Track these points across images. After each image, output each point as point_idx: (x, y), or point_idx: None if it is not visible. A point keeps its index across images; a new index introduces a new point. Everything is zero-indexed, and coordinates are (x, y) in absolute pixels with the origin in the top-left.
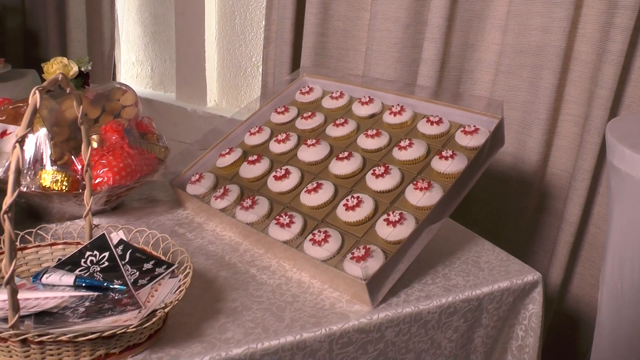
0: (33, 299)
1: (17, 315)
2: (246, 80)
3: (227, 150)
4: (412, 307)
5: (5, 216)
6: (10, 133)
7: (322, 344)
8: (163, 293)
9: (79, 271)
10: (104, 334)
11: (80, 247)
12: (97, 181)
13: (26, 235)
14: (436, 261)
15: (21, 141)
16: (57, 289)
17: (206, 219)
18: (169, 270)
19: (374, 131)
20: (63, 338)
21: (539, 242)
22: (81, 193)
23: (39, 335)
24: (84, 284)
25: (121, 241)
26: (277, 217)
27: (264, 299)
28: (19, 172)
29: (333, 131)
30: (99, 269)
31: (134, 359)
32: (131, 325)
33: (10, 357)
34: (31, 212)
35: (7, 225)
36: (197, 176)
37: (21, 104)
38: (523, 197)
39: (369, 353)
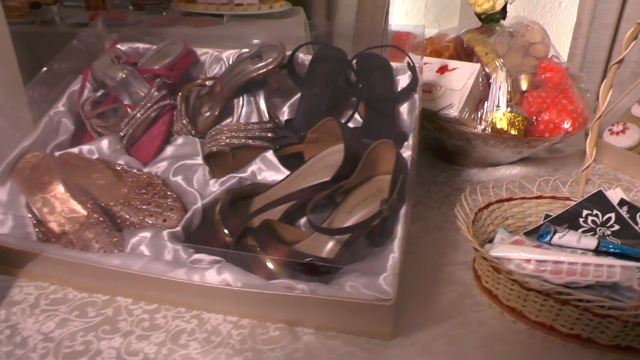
0: (567, 262)
1: None
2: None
3: None
4: None
5: None
6: (453, 69)
7: None
8: None
9: (582, 232)
10: None
11: (570, 203)
12: (550, 126)
13: None
14: None
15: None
16: (571, 252)
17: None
18: None
19: None
20: None
21: None
22: (534, 139)
23: None
24: (611, 249)
25: (623, 201)
26: None
27: None
28: None
29: None
30: (609, 232)
31: None
32: None
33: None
34: (441, 153)
35: None
36: (621, 126)
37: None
38: None
39: None
